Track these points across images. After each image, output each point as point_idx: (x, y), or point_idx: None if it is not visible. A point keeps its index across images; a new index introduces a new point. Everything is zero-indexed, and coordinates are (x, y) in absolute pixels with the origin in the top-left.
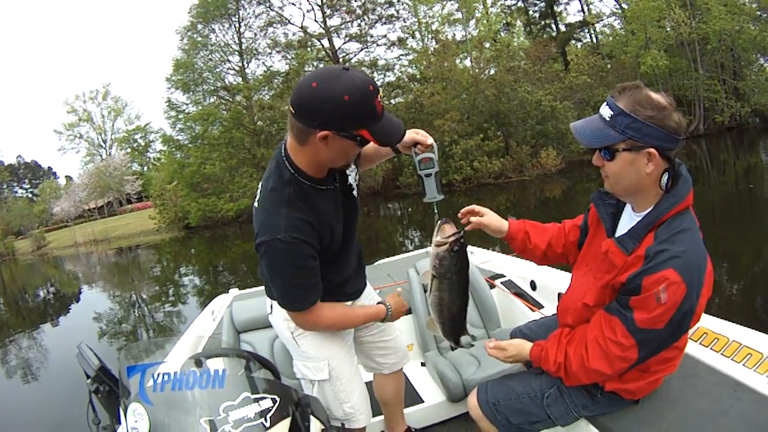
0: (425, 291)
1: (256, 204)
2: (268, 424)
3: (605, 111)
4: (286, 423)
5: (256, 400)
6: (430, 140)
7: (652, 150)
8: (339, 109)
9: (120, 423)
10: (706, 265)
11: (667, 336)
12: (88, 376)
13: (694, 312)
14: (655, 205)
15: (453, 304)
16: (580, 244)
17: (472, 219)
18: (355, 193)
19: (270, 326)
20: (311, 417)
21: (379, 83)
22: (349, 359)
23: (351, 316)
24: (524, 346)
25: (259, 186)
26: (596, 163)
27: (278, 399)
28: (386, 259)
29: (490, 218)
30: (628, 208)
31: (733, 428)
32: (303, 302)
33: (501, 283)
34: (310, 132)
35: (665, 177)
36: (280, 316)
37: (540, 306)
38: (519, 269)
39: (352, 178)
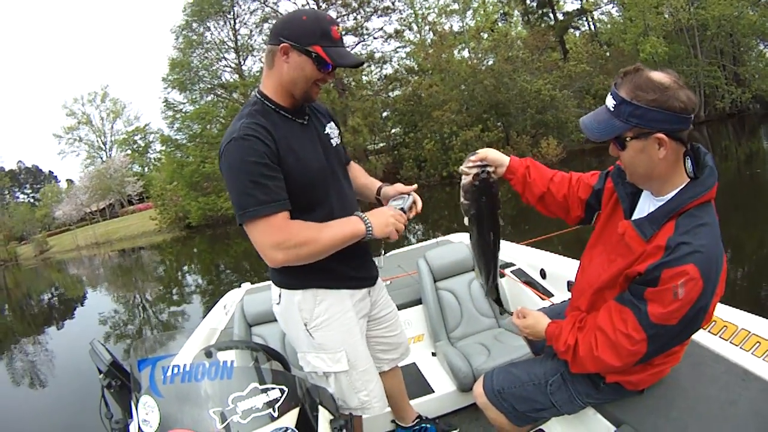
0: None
1: None
2: (276, 414)
3: (609, 101)
4: (294, 413)
5: (264, 391)
6: (408, 188)
7: (660, 135)
8: (297, 25)
9: (132, 417)
10: (722, 264)
11: (678, 332)
12: (100, 372)
13: (707, 311)
14: (679, 191)
15: (481, 243)
16: (587, 205)
17: (472, 157)
18: (334, 142)
19: None
20: (319, 407)
21: (376, 76)
22: (365, 348)
23: (324, 231)
24: (542, 320)
25: None
26: (612, 153)
27: (286, 389)
28: (396, 251)
29: (490, 152)
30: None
31: (741, 417)
32: (262, 206)
33: (511, 271)
34: (275, 50)
35: (689, 163)
36: (292, 305)
37: (550, 294)
38: (529, 258)
39: (330, 129)
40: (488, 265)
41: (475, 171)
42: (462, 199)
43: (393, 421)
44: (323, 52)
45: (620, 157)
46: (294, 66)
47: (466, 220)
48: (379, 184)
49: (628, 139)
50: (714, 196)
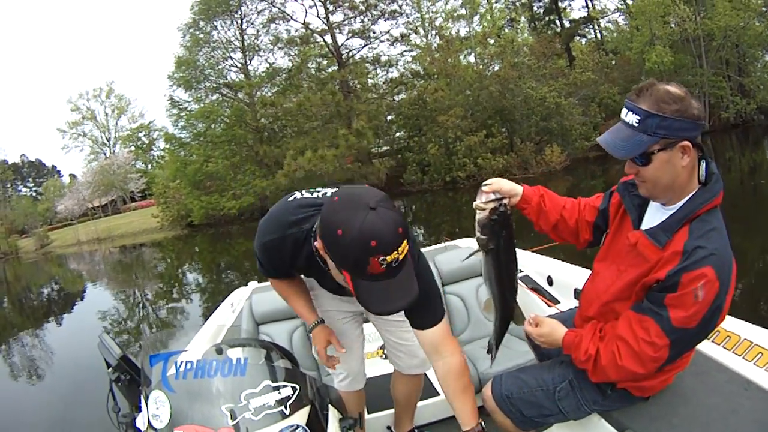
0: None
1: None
2: (287, 412)
3: (630, 117)
4: (305, 411)
5: (277, 389)
6: None
7: (685, 143)
8: (331, 238)
9: (140, 411)
10: (733, 266)
11: (696, 334)
12: (108, 366)
13: (722, 310)
14: (690, 198)
15: (498, 278)
16: (595, 227)
17: (484, 188)
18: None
19: (288, 318)
20: (329, 406)
21: (381, 79)
22: (338, 327)
23: (291, 301)
24: (558, 329)
25: None
26: (629, 172)
27: (298, 388)
28: None
29: (504, 183)
30: None
31: (743, 426)
32: (264, 272)
33: (518, 278)
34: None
35: (702, 167)
36: None
37: (556, 301)
38: (536, 265)
39: None
40: (505, 301)
41: (492, 205)
42: (479, 234)
43: (388, 427)
44: (351, 283)
45: (639, 174)
46: (332, 267)
47: (481, 255)
48: (469, 426)
49: (655, 152)
50: (721, 202)
